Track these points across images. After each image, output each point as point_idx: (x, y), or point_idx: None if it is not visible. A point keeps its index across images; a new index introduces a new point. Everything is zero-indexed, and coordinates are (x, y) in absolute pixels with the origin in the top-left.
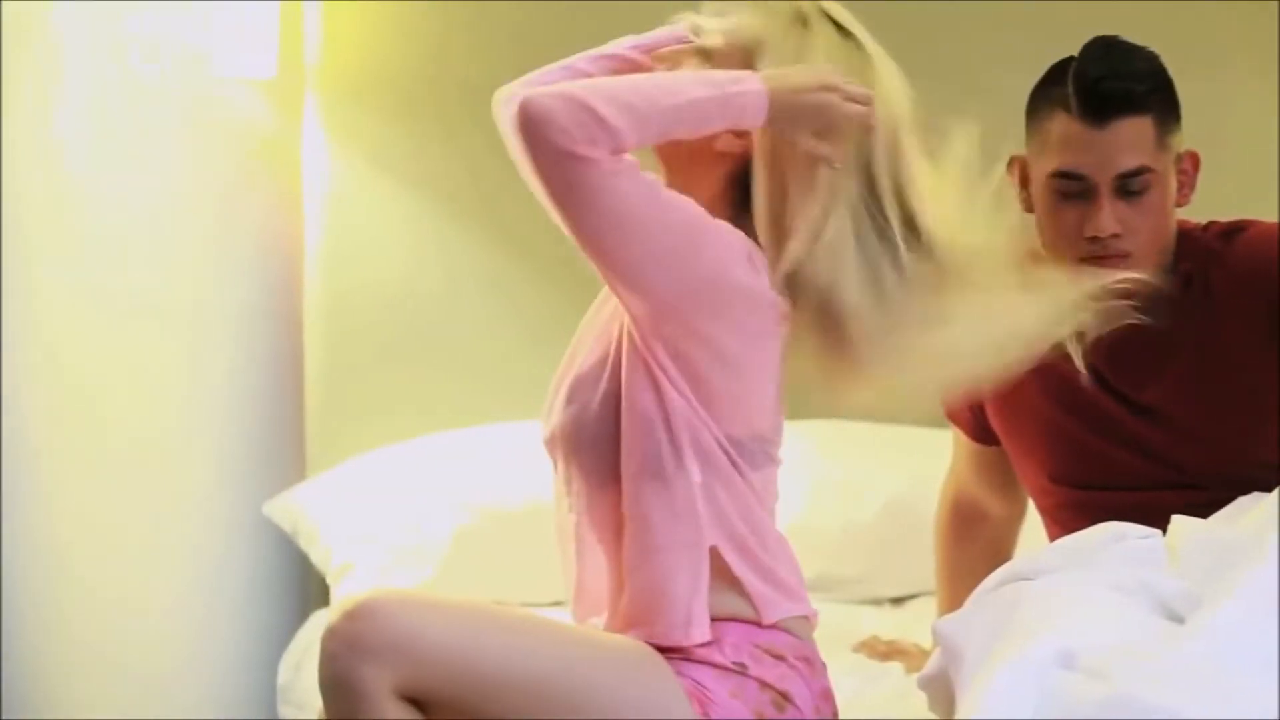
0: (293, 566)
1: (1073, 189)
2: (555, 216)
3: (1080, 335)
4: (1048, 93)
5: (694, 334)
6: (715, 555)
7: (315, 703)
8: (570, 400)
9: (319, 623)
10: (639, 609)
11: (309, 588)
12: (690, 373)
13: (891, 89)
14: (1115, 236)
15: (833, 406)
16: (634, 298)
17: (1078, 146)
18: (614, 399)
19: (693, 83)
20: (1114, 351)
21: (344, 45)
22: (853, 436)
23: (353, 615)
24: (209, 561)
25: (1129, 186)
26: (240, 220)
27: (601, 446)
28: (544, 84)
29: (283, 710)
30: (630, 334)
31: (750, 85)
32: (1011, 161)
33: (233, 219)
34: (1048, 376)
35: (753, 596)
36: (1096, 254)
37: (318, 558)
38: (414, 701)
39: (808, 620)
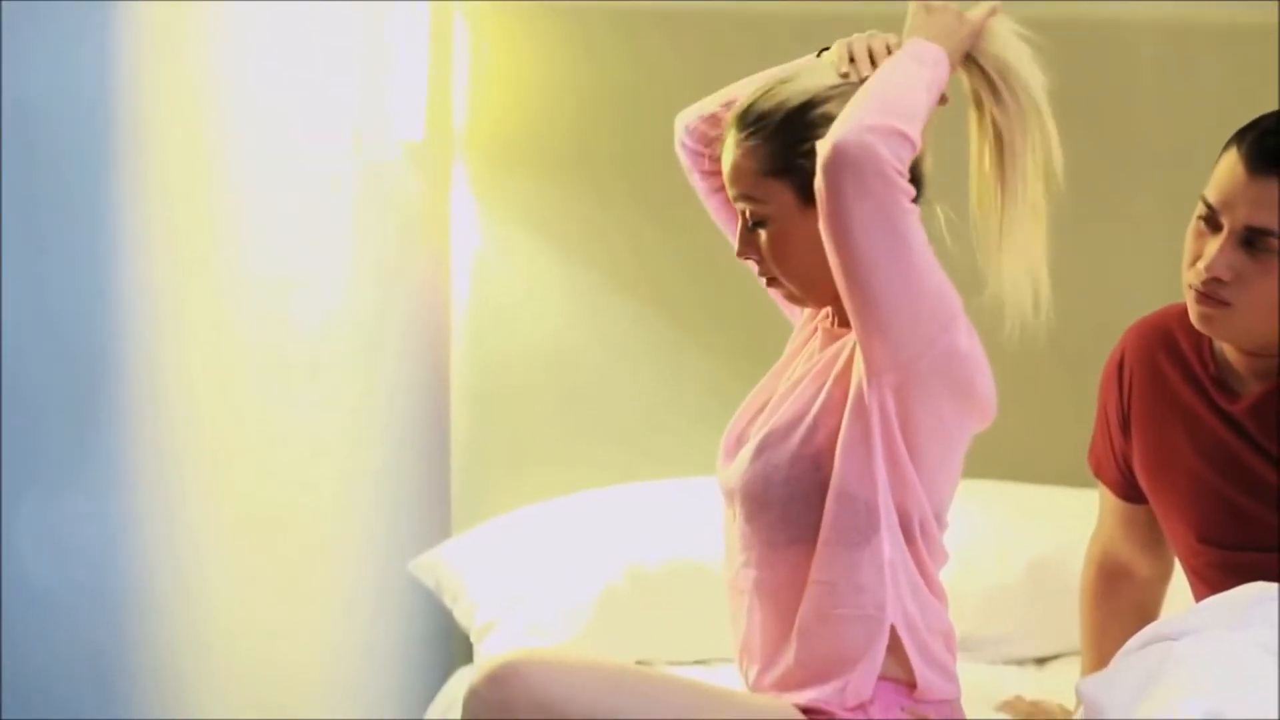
0: (437, 624)
1: (1208, 219)
2: (840, 249)
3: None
4: (1240, 130)
5: (928, 398)
6: (891, 632)
7: None
8: (759, 454)
9: (462, 680)
10: (808, 672)
11: (453, 645)
12: (913, 440)
13: None
14: (1219, 281)
15: (978, 467)
16: (885, 347)
17: (1226, 184)
18: (807, 462)
19: (906, 69)
20: (1262, 410)
21: (492, 109)
22: (998, 497)
23: (495, 677)
24: (356, 619)
25: (1254, 242)
26: (392, 282)
27: (788, 507)
28: (710, 109)
29: None
30: (860, 393)
31: (935, 49)
32: None
33: (385, 281)
34: (1196, 434)
35: (915, 673)
36: (1199, 289)
37: (461, 615)
38: None
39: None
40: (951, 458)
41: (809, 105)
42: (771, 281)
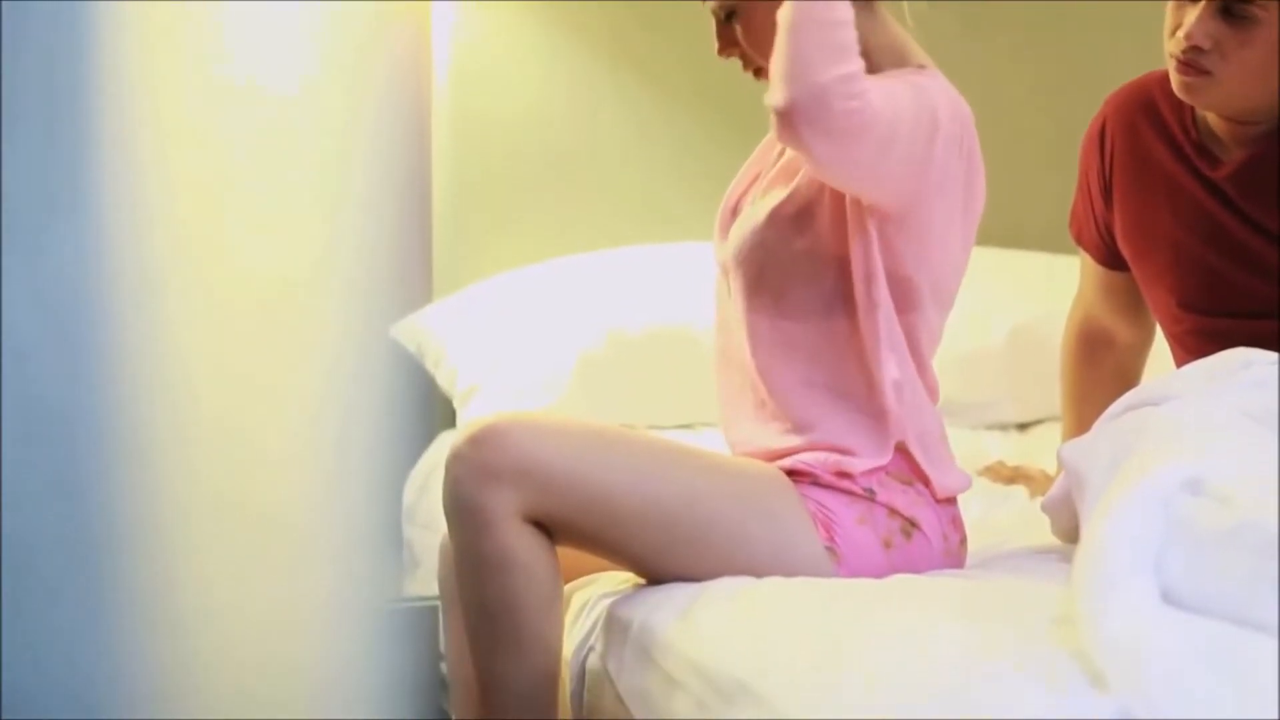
0: (419, 389)
1: None
2: (816, 168)
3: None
4: None
5: (923, 207)
6: (900, 449)
7: (440, 524)
8: (756, 227)
9: (445, 444)
10: (806, 457)
11: (435, 410)
12: (924, 226)
13: None
14: (1198, 49)
15: None
16: (877, 197)
17: None
18: (806, 236)
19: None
20: (1244, 176)
21: None
22: (979, 263)
23: (477, 439)
24: (337, 385)
25: (1231, 9)
26: (370, 47)
27: (785, 281)
28: None
29: (408, 531)
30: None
31: None
32: None
33: (363, 46)
34: (1178, 201)
35: (927, 474)
36: (1179, 58)
37: (444, 380)
38: (539, 525)
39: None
40: (956, 247)
41: None
42: (758, 73)
